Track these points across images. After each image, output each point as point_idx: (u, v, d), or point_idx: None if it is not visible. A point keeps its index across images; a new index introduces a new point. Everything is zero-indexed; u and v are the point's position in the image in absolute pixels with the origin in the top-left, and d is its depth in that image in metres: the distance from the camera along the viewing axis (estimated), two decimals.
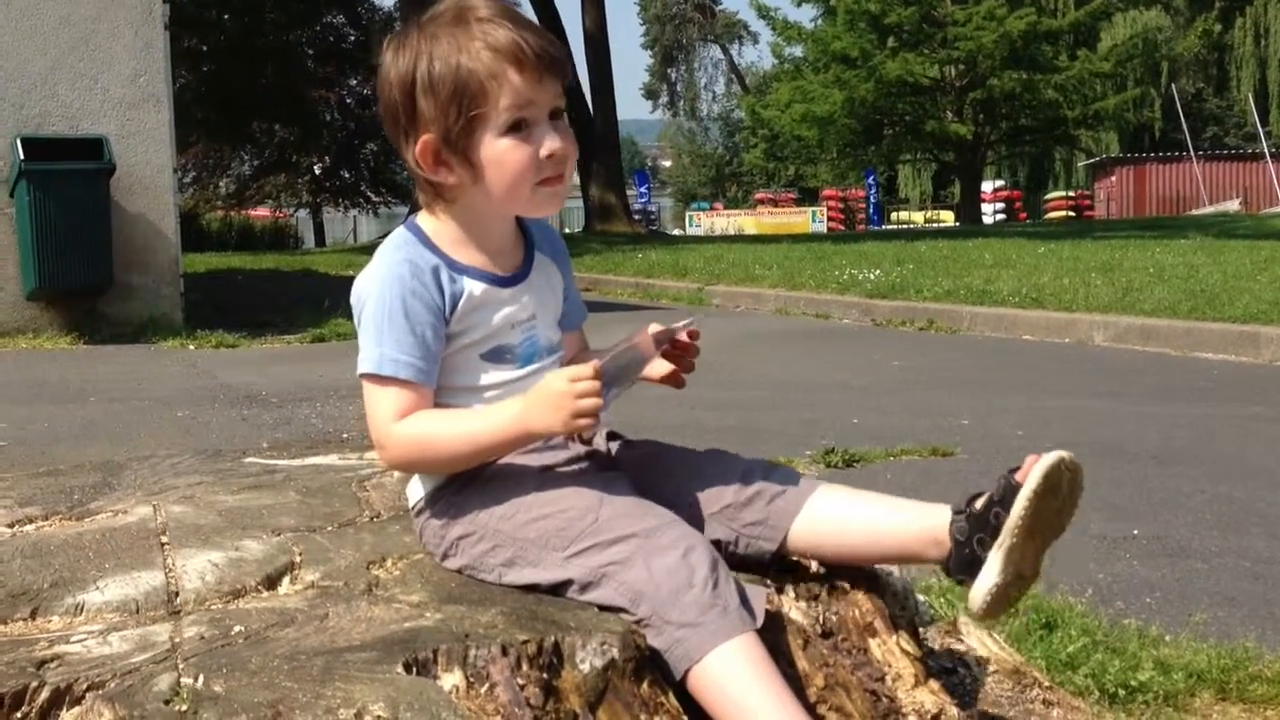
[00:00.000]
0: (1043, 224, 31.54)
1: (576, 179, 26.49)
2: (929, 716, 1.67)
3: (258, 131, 31.98)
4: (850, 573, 1.75)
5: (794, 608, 1.68)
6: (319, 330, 8.47)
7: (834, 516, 1.69)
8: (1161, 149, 40.82)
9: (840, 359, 7.51)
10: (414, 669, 1.37)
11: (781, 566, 1.72)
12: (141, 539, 1.88)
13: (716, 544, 1.68)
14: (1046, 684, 2.17)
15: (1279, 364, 6.87)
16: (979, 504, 1.62)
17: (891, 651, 1.71)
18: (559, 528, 1.61)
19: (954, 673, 2.06)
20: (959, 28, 30.00)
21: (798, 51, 33.80)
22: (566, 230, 29.14)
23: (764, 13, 32.74)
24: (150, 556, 1.79)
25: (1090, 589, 2.80)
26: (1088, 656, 2.31)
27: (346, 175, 34.93)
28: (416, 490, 1.76)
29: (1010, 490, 1.59)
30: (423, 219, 1.76)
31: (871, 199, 40.56)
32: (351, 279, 1.74)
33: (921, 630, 1.99)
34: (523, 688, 1.39)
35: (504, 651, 1.41)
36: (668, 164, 77.88)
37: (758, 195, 49.91)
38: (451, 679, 1.38)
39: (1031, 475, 1.58)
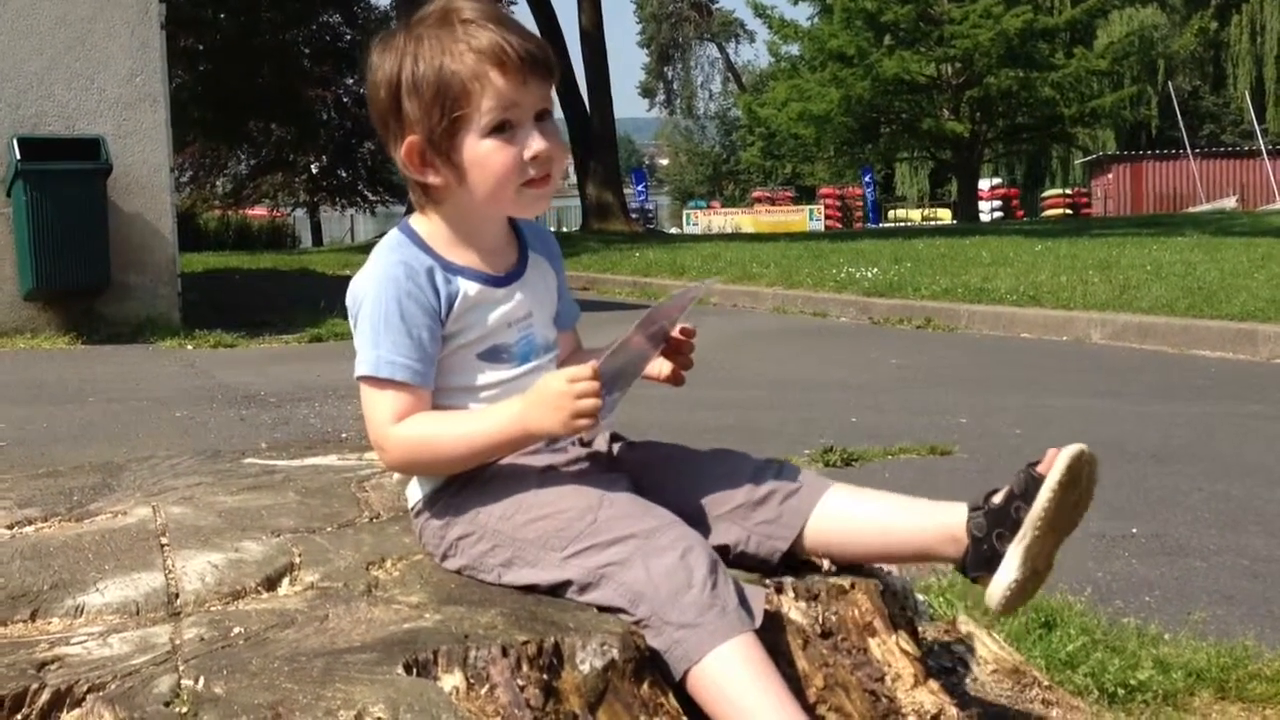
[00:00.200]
0: (1040, 222, 31.55)
1: (573, 178, 26.51)
2: (928, 716, 1.67)
3: (254, 131, 31.94)
4: (850, 572, 1.76)
5: (793, 607, 1.68)
6: (316, 330, 8.47)
7: (847, 515, 1.70)
8: (1158, 146, 40.86)
9: (838, 357, 7.52)
10: (414, 670, 1.37)
11: (787, 565, 1.72)
12: (141, 540, 1.88)
13: (726, 546, 1.69)
14: (1046, 683, 2.17)
15: (1277, 361, 6.88)
16: (998, 499, 1.63)
17: (891, 651, 1.71)
18: (558, 528, 1.61)
19: (953, 672, 2.06)
20: (955, 26, 30.01)
21: (794, 50, 33.81)
22: (564, 229, 29.17)
23: (760, 11, 32.75)
24: (150, 558, 1.79)
25: (1089, 588, 2.80)
26: (1087, 655, 2.31)
27: (343, 174, 34.89)
28: (415, 491, 1.76)
29: (1033, 483, 1.60)
30: (416, 220, 1.76)
31: (869, 197, 40.57)
32: (348, 279, 1.74)
33: (921, 630, 2.00)
34: (523, 689, 1.39)
35: (504, 652, 1.41)
36: (665, 162, 77.93)
37: (755, 194, 49.92)
38: (451, 680, 1.38)
39: (1055, 467, 1.59)
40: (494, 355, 1.74)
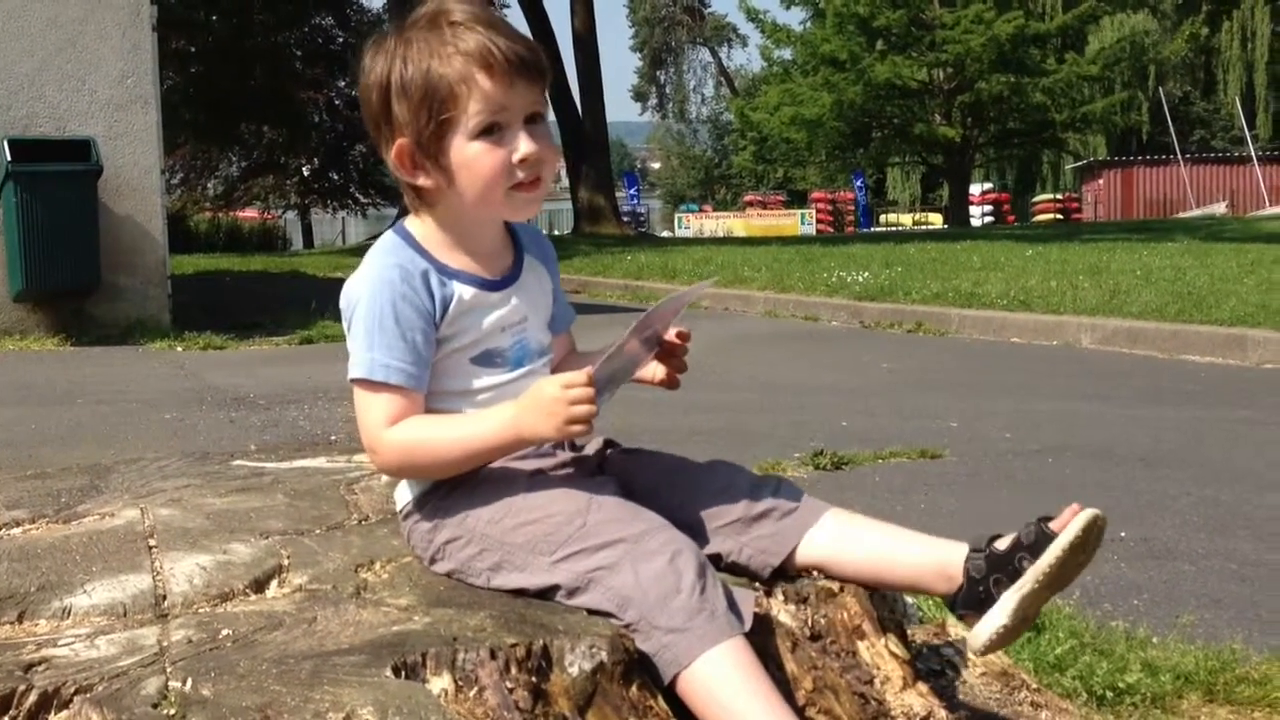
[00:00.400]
0: (1030, 227, 31.61)
1: (565, 181, 26.48)
2: (917, 719, 1.67)
3: (246, 133, 31.89)
4: None
5: (783, 610, 1.68)
6: (307, 332, 8.46)
7: (841, 541, 1.70)
8: (1149, 152, 40.92)
9: (829, 361, 7.52)
10: (402, 672, 1.37)
11: (776, 575, 1.72)
12: (129, 542, 1.88)
13: (718, 555, 1.69)
14: (1034, 686, 2.17)
15: (1266, 366, 6.90)
16: (1002, 545, 1.63)
17: (880, 654, 1.71)
18: (546, 533, 1.61)
19: (942, 675, 2.06)
20: (947, 31, 30.05)
21: (786, 54, 33.82)
22: (556, 232, 29.17)
23: (753, 15, 32.75)
24: (138, 560, 1.78)
25: (1078, 591, 2.81)
26: (1075, 658, 2.31)
27: (335, 177, 34.86)
28: (404, 494, 1.76)
29: (1043, 538, 1.60)
30: (411, 223, 1.76)
31: (860, 201, 40.62)
32: (339, 281, 1.74)
33: (910, 632, 2.00)
34: (511, 691, 1.39)
35: (493, 655, 1.41)
36: (657, 166, 77.96)
37: (747, 197, 49.96)
38: (440, 682, 1.38)
39: (1071, 527, 1.60)
40: (487, 359, 1.74)
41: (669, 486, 1.75)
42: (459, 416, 1.69)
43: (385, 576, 1.72)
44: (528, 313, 1.78)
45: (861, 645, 1.71)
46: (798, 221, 39.49)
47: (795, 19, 43.89)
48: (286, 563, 1.76)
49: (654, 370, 1.79)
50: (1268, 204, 34.07)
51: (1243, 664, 2.34)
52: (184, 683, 1.34)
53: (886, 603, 1.80)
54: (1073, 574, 1.62)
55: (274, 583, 1.70)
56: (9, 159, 7.86)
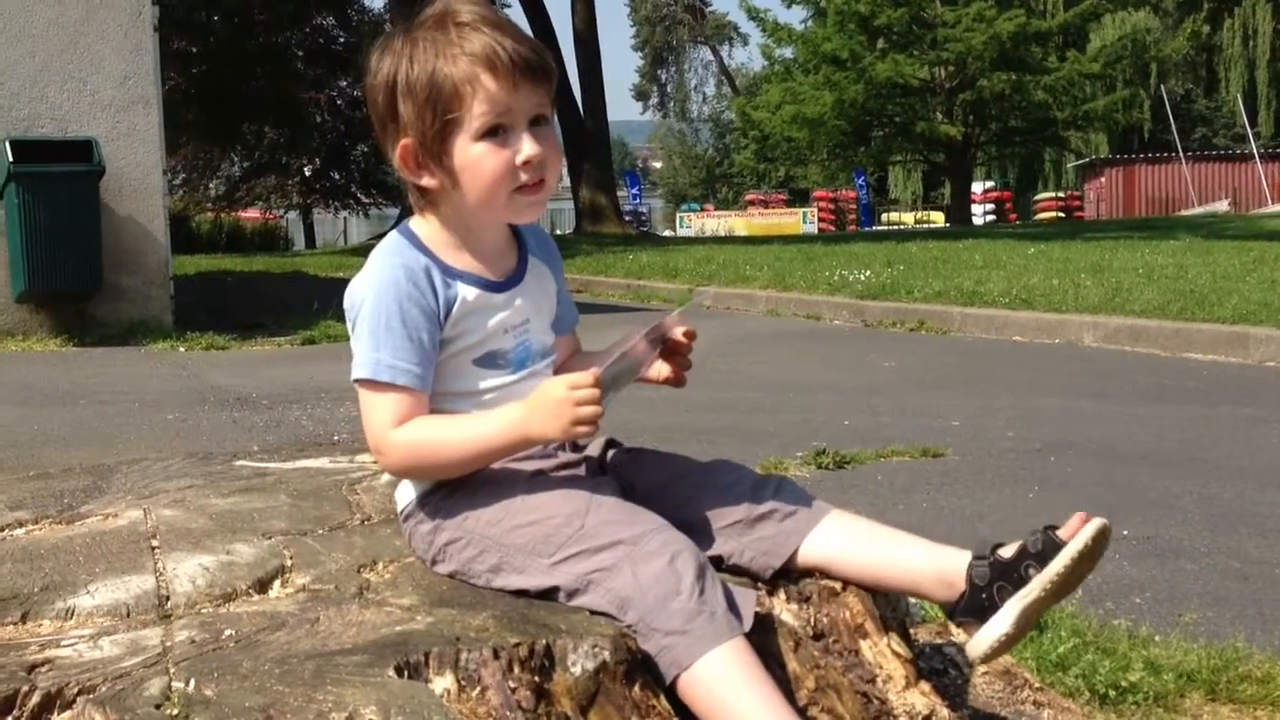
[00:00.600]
0: (1033, 225, 31.61)
1: (567, 180, 26.49)
2: (920, 718, 1.68)
3: (248, 133, 31.89)
4: None
5: (785, 610, 1.68)
6: (309, 332, 8.45)
7: (843, 543, 1.70)
8: (1151, 150, 40.91)
9: (831, 360, 7.52)
10: (405, 672, 1.37)
11: (778, 576, 1.72)
12: (132, 543, 1.88)
13: (719, 557, 1.69)
14: (1037, 685, 2.18)
15: (1268, 365, 6.90)
16: (1007, 553, 1.63)
17: (883, 653, 1.71)
18: (545, 534, 1.61)
19: (945, 674, 2.06)
20: (948, 29, 30.04)
21: (788, 53, 33.79)
22: (557, 231, 29.15)
23: (754, 14, 32.74)
24: (141, 560, 1.79)
25: (1080, 589, 2.80)
26: (1078, 657, 2.31)
27: (337, 177, 34.86)
28: (405, 494, 1.76)
29: (1050, 546, 1.60)
30: (415, 223, 1.76)
31: (862, 200, 40.60)
32: (342, 281, 1.74)
33: (912, 631, 2.00)
34: (514, 691, 1.39)
35: (495, 654, 1.41)
36: (658, 165, 77.97)
37: (748, 196, 49.97)
38: (443, 682, 1.38)
39: (1079, 537, 1.60)
40: (490, 361, 1.74)
41: (671, 486, 1.75)
42: (465, 417, 1.69)
43: (388, 576, 1.72)
44: (531, 314, 1.77)
45: (864, 644, 1.71)
46: (799, 220, 39.49)
47: (796, 18, 43.83)
48: (289, 563, 1.76)
49: (659, 369, 1.79)
50: (1270, 201, 34.05)
51: (1245, 662, 2.34)
52: (187, 683, 1.35)
53: (889, 602, 1.81)
54: (1076, 583, 1.63)
55: (277, 583, 1.70)
56: (11, 160, 7.87)
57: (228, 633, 1.50)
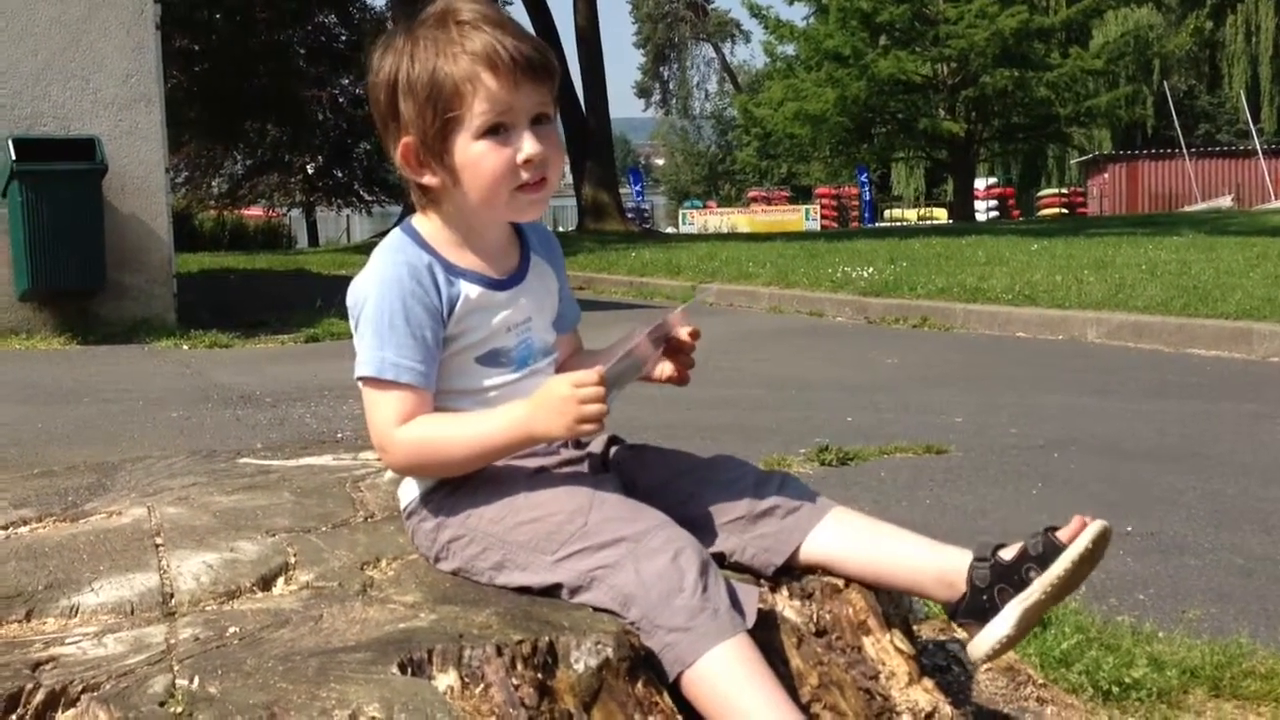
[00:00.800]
0: (1036, 221, 31.57)
1: (569, 178, 26.50)
2: (923, 715, 1.67)
3: (250, 131, 31.89)
4: None
5: (788, 606, 1.68)
6: (313, 330, 8.46)
7: (845, 541, 1.70)
8: (1154, 146, 40.87)
9: (834, 357, 7.52)
10: (409, 669, 1.37)
11: (780, 572, 1.72)
12: (136, 540, 1.88)
13: (721, 554, 1.69)
14: (1040, 681, 2.18)
15: (1272, 360, 6.89)
16: (1008, 555, 1.63)
17: (885, 649, 1.71)
18: (548, 531, 1.61)
19: (948, 670, 2.06)
20: (951, 25, 30.03)
21: (790, 50, 33.80)
22: (560, 229, 29.13)
23: (756, 11, 32.75)
24: (145, 558, 1.79)
25: (1083, 586, 2.80)
26: (1081, 653, 2.31)
27: (339, 174, 34.86)
28: (408, 492, 1.76)
29: (1051, 549, 1.61)
30: (418, 220, 1.76)
31: (865, 197, 40.59)
32: (345, 278, 1.74)
33: (915, 628, 2.00)
34: (517, 688, 1.39)
35: (499, 651, 1.41)
36: (661, 162, 77.96)
37: (751, 193, 49.93)
38: (446, 679, 1.38)
39: (1080, 539, 1.60)
40: (492, 359, 1.74)
41: (673, 483, 1.75)
42: (469, 415, 1.69)
43: (391, 574, 1.72)
44: (533, 312, 1.78)
45: (867, 641, 1.71)
46: (802, 217, 39.46)
47: (798, 14, 43.90)
48: (293, 560, 1.76)
49: (662, 368, 1.79)
50: (1273, 197, 34.02)
51: (1249, 659, 2.34)
52: (191, 680, 1.35)
53: (892, 598, 1.81)
54: (1076, 585, 1.63)
55: (280, 580, 1.71)
56: (14, 158, 7.87)
57: (231, 630, 1.50)
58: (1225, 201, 34.33)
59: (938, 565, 1.67)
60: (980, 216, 36.05)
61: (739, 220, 39.45)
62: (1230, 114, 45.28)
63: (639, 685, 1.46)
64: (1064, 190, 41.89)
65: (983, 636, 1.62)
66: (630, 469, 1.78)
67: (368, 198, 35.12)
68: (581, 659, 1.44)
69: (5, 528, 2.01)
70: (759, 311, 10.62)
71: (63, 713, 1.33)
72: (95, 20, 8.49)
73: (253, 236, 31.82)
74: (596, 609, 1.55)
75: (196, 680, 1.35)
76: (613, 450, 1.82)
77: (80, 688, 1.34)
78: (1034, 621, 1.63)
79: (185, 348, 7.98)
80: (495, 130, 1.65)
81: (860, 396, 5.77)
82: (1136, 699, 2.20)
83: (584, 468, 1.75)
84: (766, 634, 1.58)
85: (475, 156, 1.66)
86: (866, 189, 40.57)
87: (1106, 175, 39.37)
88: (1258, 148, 36.41)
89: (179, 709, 1.30)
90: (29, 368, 7.14)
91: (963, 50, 29.91)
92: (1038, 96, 30.84)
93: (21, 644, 1.48)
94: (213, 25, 28.98)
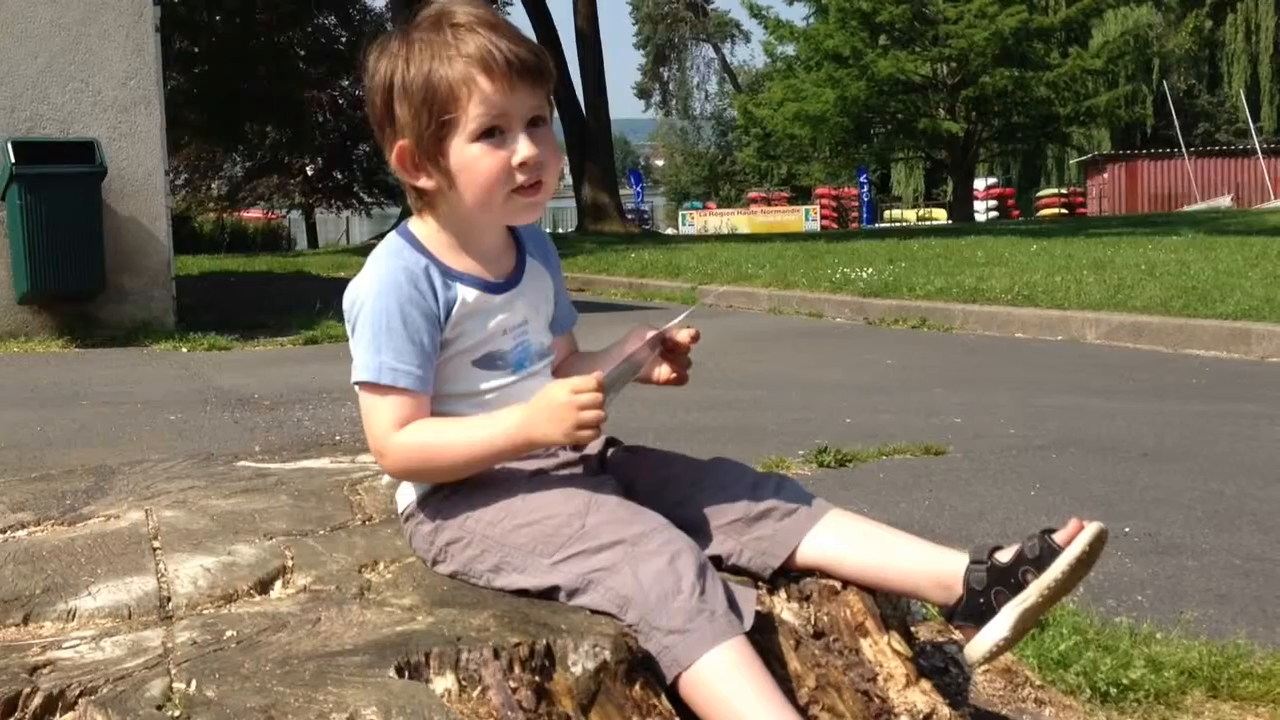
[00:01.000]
0: (1035, 221, 31.57)
1: (569, 179, 26.50)
2: (921, 716, 1.68)
3: (250, 133, 31.91)
4: None
5: (785, 608, 1.69)
6: (311, 332, 8.46)
7: (842, 543, 1.70)
8: (1153, 145, 40.85)
9: (833, 358, 7.52)
10: (406, 673, 1.37)
11: (778, 574, 1.72)
12: (134, 544, 1.88)
13: (719, 557, 1.69)
14: (1038, 683, 2.18)
15: (1271, 361, 6.89)
16: (1004, 557, 1.63)
17: (883, 651, 1.71)
18: (546, 534, 1.61)
19: (946, 672, 2.06)
20: (950, 25, 30.04)
21: (790, 50, 33.80)
22: (559, 230, 29.16)
23: (756, 11, 32.75)
24: (142, 561, 1.79)
25: (1081, 586, 2.80)
26: (1079, 655, 2.31)
27: (339, 176, 34.88)
28: (406, 496, 1.76)
29: (1048, 552, 1.61)
30: (414, 224, 1.76)
31: (864, 197, 40.59)
32: (344, 281, 1.74)
33: (913, 630, 2.00)
34: (515, 690, 1.39)
35: (496, 654, 1.41)
36: (660, 163, 77.96)
37: (751, 194, 49.92)
38: (444, 682, 1.38)
39: (1077, 542, 1.60)
40: (489, 363, 1.74)
41: (671, 485, 1.76)
42: (467, 420, 1.69)
43: (389, 577, 1.72)
44: (529, 315, 1.78)
45: (864, 643, 1.71)
46: (802, 218, 39.47)
47: (798, 15, 43.91)
48: (290, 564, 1.77)
49: (661, 370, 1.79)
50: (1272, 197, 34.02)
51: (1247, 660, 2.34)
52: (188, 684, 1.35)
53: (890, 600, 1.81)
54: (1072, 587, 1.63)
55: (278, 584, 1.71)
56: (13, 161, 7.87)
57: (229, 634, 1.50)
58: (1224, 201, 34.33)
59: (935, 568, 1.67)
60: (979, 217, 36.06)
61: (739, 221, 39.45)
62: (1230, 113, 45.29)
63: (637, 688, 1.46)
64: (1063, 190, 41.89)
65: (980, 639, 1.62)
66: (628, 471, 1.79)
67: (367, 199, 35.15)
68: (579, 661, 1.44)
69: (3, 531, 2.01)
70: (758, 312, 10.63)
71: (60, 716, 1.33)
72: (95, 23, 8.49)
73: (252, 239, 31.86)
74: (594, 611, 1.55)
75: (194, 684, 1.35)
76: (610, 452, 1.82)
77: (78, 691, 1.34)
78: (1031, 624, 1.63)
79: (184, 350, 7.98)
80: (490, 133, 1.65)
81: (859, 397, 5.77)
82: (1134, 700, 2.20)
83: (581, 470, 1.75)
84: (764, 636, 1.58)
85: (471, 159, 1.66)
86: (866, 189, 40.58)
87: (1106, 175, 39.37)
88: (1257, 147, 36.41)
89: (176, 712, 1.30)
90: (28, 370, 7.14)
91: (962, 50, 29.91)
92: (1037, 96, 30.84)
93: (19, 648, 1.49)
94: (212, 27, 29.01)
